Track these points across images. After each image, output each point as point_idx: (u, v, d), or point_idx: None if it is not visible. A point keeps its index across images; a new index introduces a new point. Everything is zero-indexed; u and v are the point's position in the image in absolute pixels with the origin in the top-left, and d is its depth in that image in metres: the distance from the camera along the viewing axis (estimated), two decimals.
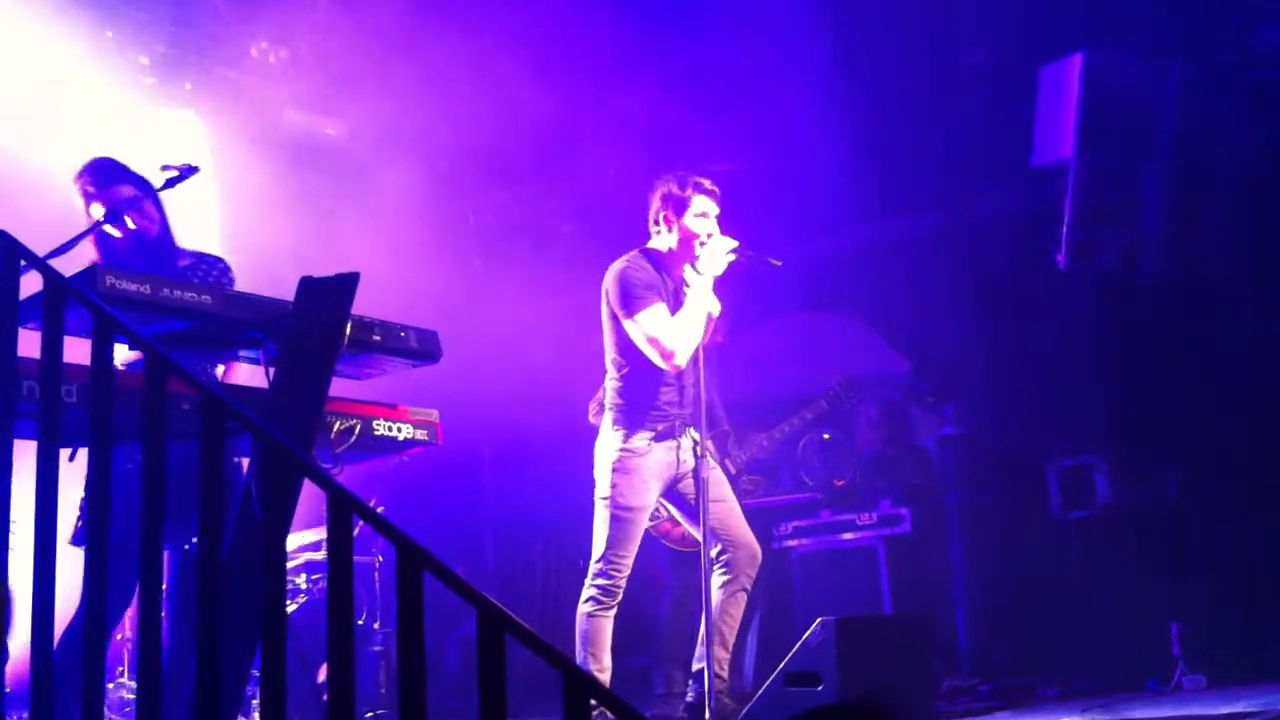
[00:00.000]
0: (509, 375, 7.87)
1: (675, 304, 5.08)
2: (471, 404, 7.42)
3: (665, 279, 5.15)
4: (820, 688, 4.59)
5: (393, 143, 7.62)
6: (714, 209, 5.16)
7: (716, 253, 5.02)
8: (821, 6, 6.55)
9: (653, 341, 4.96)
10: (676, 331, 4.97)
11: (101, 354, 2.92)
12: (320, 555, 6.37)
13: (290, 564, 6.32)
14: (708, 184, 5.18)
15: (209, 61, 7.22)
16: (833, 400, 6.89)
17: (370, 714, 6.06)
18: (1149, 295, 6.57)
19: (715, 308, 5.14)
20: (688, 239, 5.11)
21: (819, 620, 4.72)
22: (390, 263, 6.94)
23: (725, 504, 5.14)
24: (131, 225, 4.59)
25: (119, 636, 6.14)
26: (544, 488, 8.20)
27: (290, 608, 6.08)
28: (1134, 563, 6.53)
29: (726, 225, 5.21)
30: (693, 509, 5.06)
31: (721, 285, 5.15)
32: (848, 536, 6.93)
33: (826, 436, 7.46)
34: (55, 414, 2.95)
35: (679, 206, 5.13)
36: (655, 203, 5.21)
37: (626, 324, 5.03)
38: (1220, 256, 6.42)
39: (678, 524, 5.97)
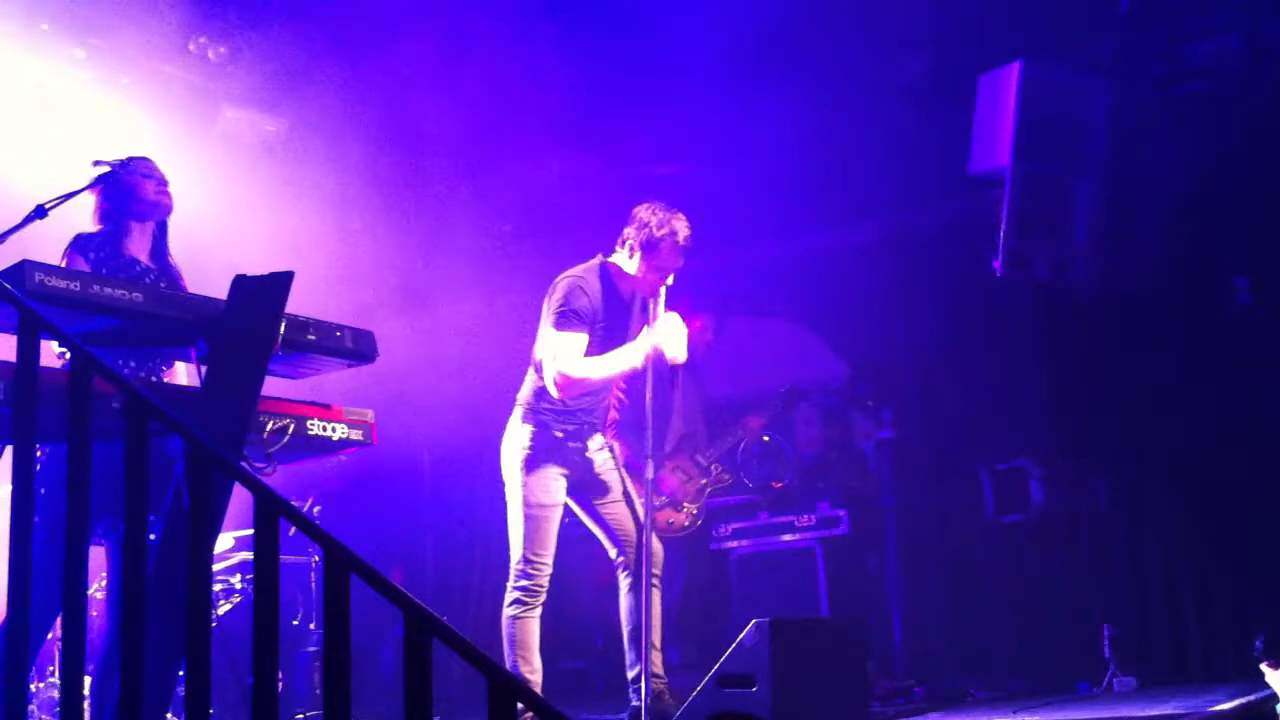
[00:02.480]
0: (451, 377, 7.83)
1: (609, 320, 5.11)
2: (413, 406, 7.39)
3: (611, 299, 5.15)
4: (754, 689, 4.60)
5: (331, 141, 7.56)
6: (677, 265, 5.16)
7: (674, 341, 4.99)
8: (761, 14, 6.57)
9: (555, 362, 4.97)
10: (581, 369, 4.98)
11: (26, 352, 2.88)
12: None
13: (225, 564, 6.25)
14: (684, 237, 5.09)
15: (146, 56, 7.12)
16: (782, 406, 7.10)
17: (301, 715, 6.00)
18: (1083, 305, 6.64)
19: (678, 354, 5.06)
20: (646, 277, 5.13)
21: (753, 622, 4.73)
22: (328, 262, 6.89)
23: (621, 504, 5.22)
24: None
25: (50, 636, 6.04)
26: (484, 491, 8.15)
27: (224, 608, 6.01)
28: (1066, 567, 6.62)
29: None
30: (596, 511, 5.19)
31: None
32: (786, 538, 6.96)
33: (766, 439, 7.49)
34: None
35: (650, 250, 5.10)
36: (632, 227, 5.15)
37: (548, 330, 5.05)
38: (1150, 268, 6.50)
39: (669, 511, 6.28)
